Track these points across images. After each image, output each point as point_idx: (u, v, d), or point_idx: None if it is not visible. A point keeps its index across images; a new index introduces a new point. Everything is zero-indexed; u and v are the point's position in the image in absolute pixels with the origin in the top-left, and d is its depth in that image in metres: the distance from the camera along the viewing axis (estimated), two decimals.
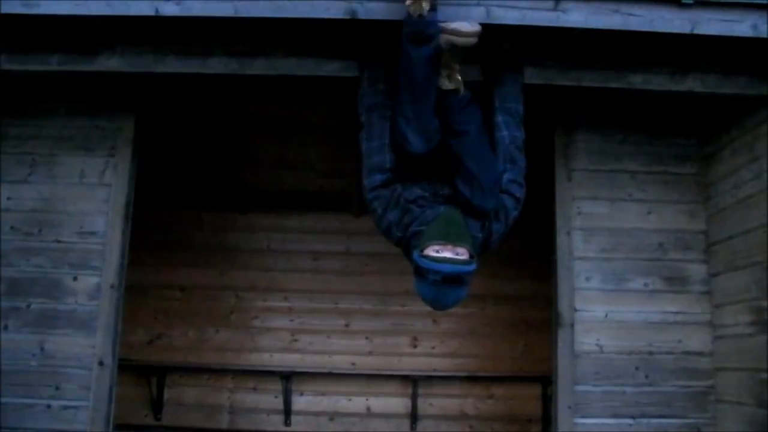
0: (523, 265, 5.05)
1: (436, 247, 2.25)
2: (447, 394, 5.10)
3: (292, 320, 5.26)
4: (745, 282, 3.00)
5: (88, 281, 3.16)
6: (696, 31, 2.62)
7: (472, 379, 5.09)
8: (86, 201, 3.23)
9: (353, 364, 5.17)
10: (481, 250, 2.45)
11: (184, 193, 5.19)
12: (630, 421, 3.13)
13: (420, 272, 2.29)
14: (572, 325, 3.19)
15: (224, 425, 5.06)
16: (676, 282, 3.28)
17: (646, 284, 3.26)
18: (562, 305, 3.21)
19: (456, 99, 2.46)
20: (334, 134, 4.47)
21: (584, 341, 3.18)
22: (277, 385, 5.04)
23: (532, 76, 2.85)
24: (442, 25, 2.37)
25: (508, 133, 2.58)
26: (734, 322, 3.07)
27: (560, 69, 2.89)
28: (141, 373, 4.97)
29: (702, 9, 2.62)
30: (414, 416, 5.02)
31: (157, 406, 5.00)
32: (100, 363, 3.08)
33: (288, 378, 4.99)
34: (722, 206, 3.21)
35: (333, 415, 5.09)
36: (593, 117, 3.36)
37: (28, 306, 3.14)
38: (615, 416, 3.13)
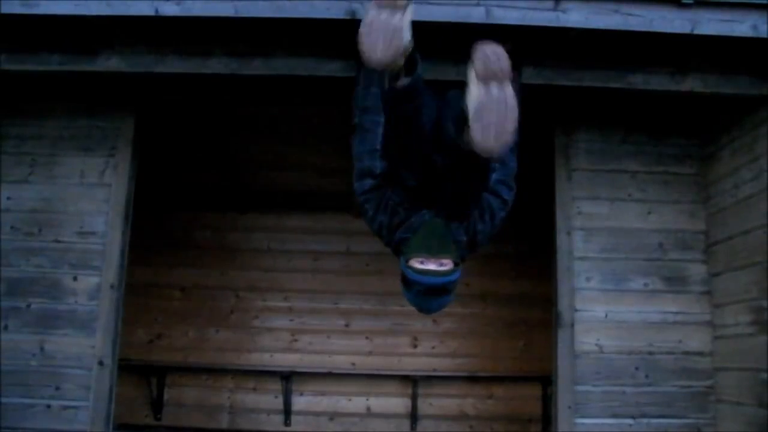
0: (523, 265, 5.05)
1: (420, 259, 2.29)
2: (447, 394, 5.09)
3: (292, 320, 5.26)
4: (745, 282, 3.00)
5: (88, 281, 3.16)
6: (696, 31, 2.62)
7: (472, 379, 5.09)
8: (86, 201, 3.23)
9: (353, 364, 5.17)
10: (467, 252, 2.47)
11: (184, 193, 5.19)
12: (630, 421, 3.13)
13: (405, 281, 2.34)
14: (572, 325, 3.19)
15: (224, 425, 5.06)
16: (676, 282, 3.28)
17: (646, 284, 3.26)
18: (562, 305, 3.21)
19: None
20: (334, 134, 4.45)
21: (584, 341, 3.18)
22: (277, 385, 5.04)
23: (532, 76, 2.86)
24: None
25: None
26: (734, 322, 3.07)
27: (560, 69, 2.89)
28: (141, 373, 4.97)
29: (702, 9, 2.62)
30: (414, 416, 5.02)
31: (157, 406, 5.00)
32: (100, 363, 3.08)
33: (288, 378, 4.99)
34: (722, 206, 3.21)
35: (333, 415, 5.09)
36: (593, 117, 3.36)
37: (28, 306, 3.14)
38: (615, 416, 3.13)
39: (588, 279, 3.24)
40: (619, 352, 3.19)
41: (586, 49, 2.83)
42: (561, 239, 3.26)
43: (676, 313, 3.25)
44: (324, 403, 5.10)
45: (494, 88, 2.01)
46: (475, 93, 2.03)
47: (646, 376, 3.18)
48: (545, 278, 3.56)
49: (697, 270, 3.29)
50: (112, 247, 3.18)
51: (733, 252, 3.10)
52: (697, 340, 3.23)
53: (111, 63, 2.88)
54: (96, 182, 3.26)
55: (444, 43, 2.83)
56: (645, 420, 3.14)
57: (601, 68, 2.90)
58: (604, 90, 2.95)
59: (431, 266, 2.28)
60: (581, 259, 3.25)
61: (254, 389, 5.11)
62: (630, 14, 2.61)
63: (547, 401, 4.72)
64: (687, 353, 3.22)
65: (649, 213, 3.33)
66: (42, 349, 3.10)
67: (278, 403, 5.04)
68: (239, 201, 5.30)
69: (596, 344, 3.19)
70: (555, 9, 2.59)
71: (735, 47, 2.77)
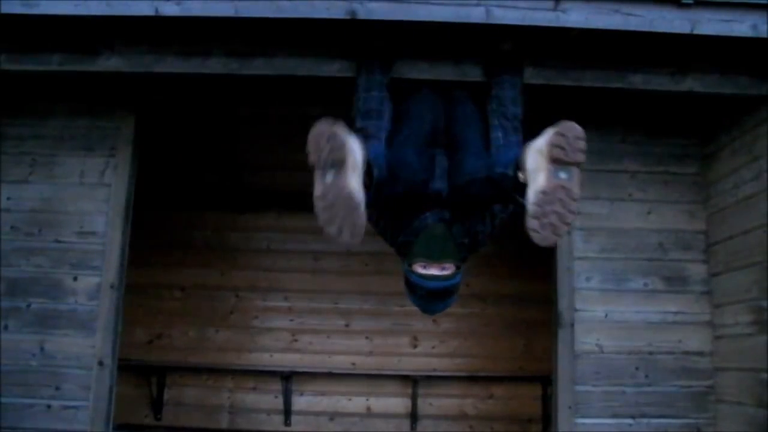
0: (523, 265, 5.04)
1: (423, 264, 2.30)
2: (447, 394, 5.09)
3: (292, 320, 5.25)
4: (745, 282, 3.00)
5: (88, 281, 3.16)
6: (696, 31, 2.62)
7: (472, 379, 5.08)
8: (86, 201, 3.23)
9: (353, 364, 5.17)
10: (468, 253, 2.48)
11: (184, 193, 5.19)
12: (630, 421, 3.13)
13: (409, 285, 2.37)
14: (572, 325, 3.19)
15: (224, 425, 5.05)
16: (676, 282, 3.28)
17: (646, 284, 3.27)
18: (562, 305, 3.21)
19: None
20: None
21: (584, 341, 3.18)
22: (277, 385, 5.04)
23: (532, 76, 2.85)
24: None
25: (503, 135, 2.58)
26: (734, 322, 3.07)
27: (560, 69, 2.89)
28: (141, 373, 4.96)
29: (702, 9, 2.62)
30: (414, 416, 5.01)
31: (157, 406, 5.00)
32: (100, 363, 3.08)
33: (288, 378, 4.99)
34: (722, 206, 3.21)
35: (333, 415, 5.09)
36: (593, 117, 3.35)
37: (28, 306, 3.14)
38: (615, 416, 3.13)
39: (588, 279, 3.24)
40: (619, 352, 3.19)
41: (586, 49, 2.83)
42: (561, 239, 3.25)
43: (676, 313, 3.25)
44: (324, 403, 5.10)
45: (563, 173, 1.91)
46: (541, 178, 1.91)
47: (646, 376, 3.18)
48: (545, 278, 3.56)
49: (697, 270, 3.29)
50: (112, 247, 3.18)
51: (733, 252, 3.10)
52: (697, 340, 3.23)
53: (111, 63, 2.88)
54: (96, 182, 3.25)
55: (444, 43, 2.84)
56: (645, 420, 3.14)
57: (601, 68, 2.90)
58: (604, 90, 2.95)
59: (433, 271, 2.30)
60: (581, 258, 3.25)
61: (254, 389, 5.11)
62: (630, 14, 2.61)
63: (547, 401, 4.72)
64: (687, 353, 3.22)
65: (649, 213, 3.33)
66: (42, 349, 3.10)
67: (278, 403, 5.04)
68: (239, 201, 5.29)
69: (596, 344, 3.19)
70: (555, 9, 2.59)
71: (735, 47, 2.77)
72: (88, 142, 3.29)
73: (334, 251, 5.33)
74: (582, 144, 1.89)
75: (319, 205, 1.93)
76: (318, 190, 1.93)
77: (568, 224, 1.92)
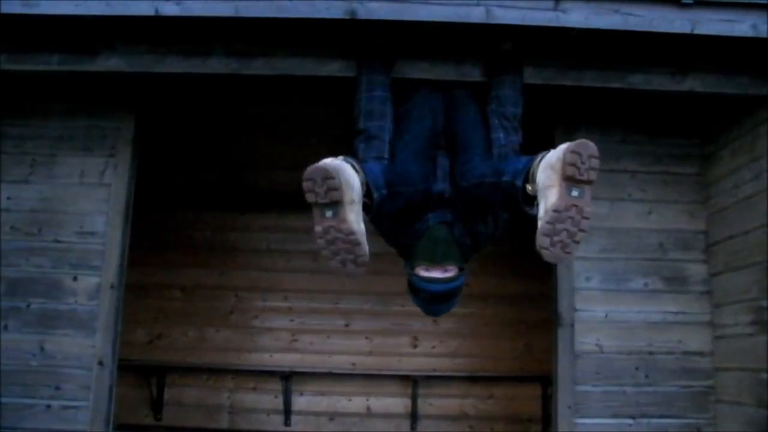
0: (523, 265, 5.02)
1: (425, 267, 2.30)
2: (447, 394, 5.09)
3: (292, 320, 5.25)
4: (745, 282, 3.00)
5: (88, 281, 3.15)
6: (696, 31, 2.62)
7: (472, 379, 5.08)
8: (86, 201, 3.23)
9: (353, 364, 5.16)
10: (470, 254, 2.48)
11: (184, 193, 5.18)
12: (630, 421, 3.14)
13: (412, 287, 2.36)
14: (572, 325, 3.18)
15: (224, 425, 5.05)
16: (676, 282, 3.28)
17: (646, 284, 3.26)
18: (562, 305, 3.21)
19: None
20: (334, 134, 4.47)
21: (584, 341, 3.18)
22: (277, 385, 5.04)
23: (532, 76, 2.86)
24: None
25: (504, 135, 2.58)
26: (734, 322, 3.07)
27: (560, 69, 2.89)
28: (141, 373, 4.96)
29: (702, 9, 2.62)
30: (414, 416, 5.01)
31: (157, 406, 5.00)
32: (100, 363, 3.08)
33: (288, 378, 4.99)
34: (722, 206, 3.21)
35: (333, 415, 5.08)
36: (593, 117, 3.36)
37: (28, 306, 3.14)
38: (615, 416, 3.13)
39: (588, 279, 3.24)
40: (619, 352, 3.19)
41: (586, 49, 2.83)
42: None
43: (676, 313, 3.25)
44: (324, 403, 5.09)
45: (575, 191, 1.90)
46: (554, 195, 1.89)
47: (646, 376, 3.18)
48: (545, 278, 3.56)
49: (697, 270, 3.29)
50: (112, 247, 3.18)
51: (733, 252, 3.10)
52: (697, 340, 3.23)
53: (111, 63, 2.88)
54: (96, 182, 3.25)
55: (444, 43, 2.84)
56: (645, 420, 3.14)
57: (601, 68, 2.90)
58: (604, 90, 2.95)
59: (436, 273, 2.30)
60: (581, 258, 3.24)
61: (254, 389, 5.10)
62: (630, 14, 2.61)
63: (547, 401, 4.72)
64: (687, 353, 3.22)
65: (649, 213, 3.33)
66: (42, 349, 3.10)
67: (278, 403, 5.04)
68: (239, 201, 5.28)
69: (596, 344, 3.19)
70: (555, 9, 2.59)
71: (735, 47, 2.77)
72: (88, 142, 3.28)
73: None
74: (596, 163, 1.88)
75: (320, 242, 1.93)
76: (318, 228, 1.93)
77: (577, 242, 1.91)
